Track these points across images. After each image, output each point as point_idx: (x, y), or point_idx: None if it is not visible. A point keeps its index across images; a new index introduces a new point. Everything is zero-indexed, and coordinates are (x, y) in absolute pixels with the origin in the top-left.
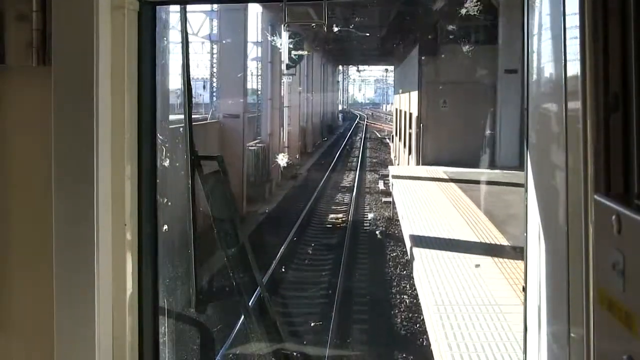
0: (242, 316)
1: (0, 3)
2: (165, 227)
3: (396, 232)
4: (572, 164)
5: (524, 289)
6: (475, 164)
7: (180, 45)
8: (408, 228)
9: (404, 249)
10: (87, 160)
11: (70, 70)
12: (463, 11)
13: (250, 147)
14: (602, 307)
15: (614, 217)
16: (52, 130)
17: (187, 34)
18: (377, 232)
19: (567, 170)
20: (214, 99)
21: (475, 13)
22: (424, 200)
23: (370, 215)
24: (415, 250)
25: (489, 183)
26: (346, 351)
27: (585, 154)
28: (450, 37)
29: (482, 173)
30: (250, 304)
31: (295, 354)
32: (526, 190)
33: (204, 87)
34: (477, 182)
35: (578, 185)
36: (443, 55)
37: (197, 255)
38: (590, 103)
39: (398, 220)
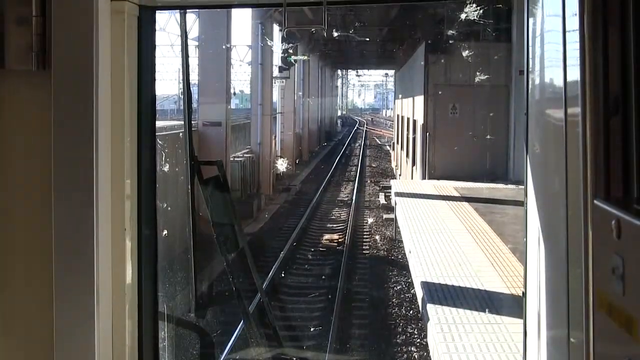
0: (242, 321)
1: None
2: (165, 232)
3: (399, 256)
4: (572, 169)
5: (524, 294)
6: (487, 178)
7: (180, 50)
8: (419, 269)
9: (409, 279)
10: (87, 165)
11: (70, 75)
12: (474, 6)
13: (236, 159)
14: (602, 312)
15: (613, 221)
16: (51, 135)
17: (187, 38)
18: (378, 258)
19: (567, 174)
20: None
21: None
22: (435, 228)
23: (370, 236)
24: (431, 309)
25: (505, 202)
26: None
27: (584, 158)
28: (461, 34)
29: (496, 189)
30: (250, 308)
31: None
32: (526, 195)
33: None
34: (493, 201)
35: (577, 189)
36: (452, 54)
37: (196, 261)
38: (590, 107)
39: (401, 241)
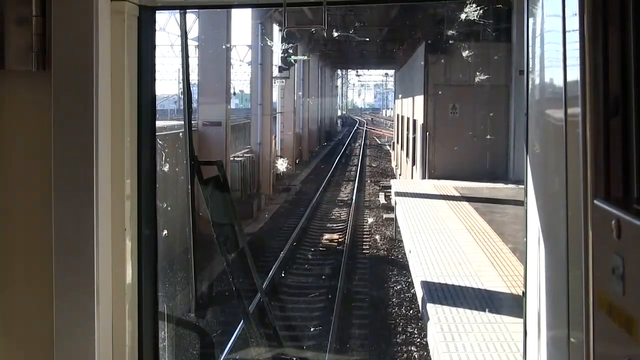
0: (242, 321)
1: None
2: (165, 232)
3: (399, 256)
4: (572, 169)
5: (524, 294)
6: (487, 177)
7: (180, 50)
8: (419, 269)
9: (409, 279)
10: (87, 166)
11: (70, 75)
12: (474, 6)
13: (236, 159)
14: (602, 312)
15: (613, 221)
16: (51, 135)
17: (187, 38)
18: (378, 258)
19: (567, 174)
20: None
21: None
22: (435, 228)
23: (370, 236)
24: (431, 308)
25: (505, 202)
26: None
27: (584, 158)
28: (461, 34)
29: (497, 189)
30: (250, 308)
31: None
32: (526, 195)
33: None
34: (493, 200)
35: (578, 190)
36: (452, 54)
37: (196, 261)
38: (590, 107)
39: (401, 241)
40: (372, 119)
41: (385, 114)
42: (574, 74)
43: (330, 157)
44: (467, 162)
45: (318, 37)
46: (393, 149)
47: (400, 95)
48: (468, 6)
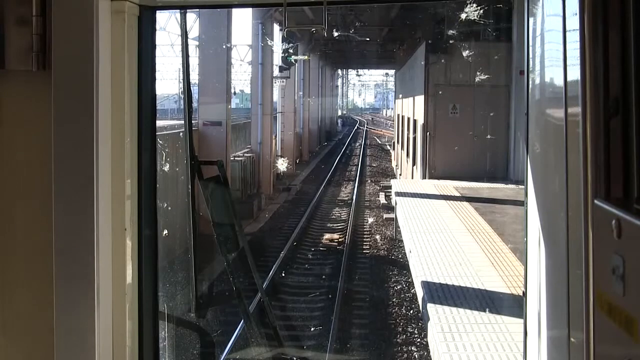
0: (242, 321)
1: None
2: (165, 232)
3: (400, 256)
4: (572, 169)
5: (524, 294)
6: (488, 177)
7: (180, 50)
8: (419, 269)
9: (409, 279)
10: (87, 166)
11: (70, 75)
12: (475, 6)
13: (236, 158)
14: (602, 312)
15: (614, 221)
16: (52, 135)
17: (187, 38)
18: (378, 258)
19: (567, 174)
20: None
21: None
22: (436, 228)
23: (370, 236)
24: (432, 308)
25: (506, 202)
26: None
27: (585, 158)
28: (461, 34)
29: (497, 189)
30: (250, 308)
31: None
32: (526, 195)
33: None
34: (493, 200)
35: (578, 189)
36: (452, 54)
37: (197, 260)
38: (590, 107)
39: (401, 241)
40: (372, 118)
41: (386, 114)
42: (574, 74)
43: (330, 157)
44: (468, 162)
45: (318, 37)
46: (393, 149)
47: (400, 95)
48: (468, 6)
